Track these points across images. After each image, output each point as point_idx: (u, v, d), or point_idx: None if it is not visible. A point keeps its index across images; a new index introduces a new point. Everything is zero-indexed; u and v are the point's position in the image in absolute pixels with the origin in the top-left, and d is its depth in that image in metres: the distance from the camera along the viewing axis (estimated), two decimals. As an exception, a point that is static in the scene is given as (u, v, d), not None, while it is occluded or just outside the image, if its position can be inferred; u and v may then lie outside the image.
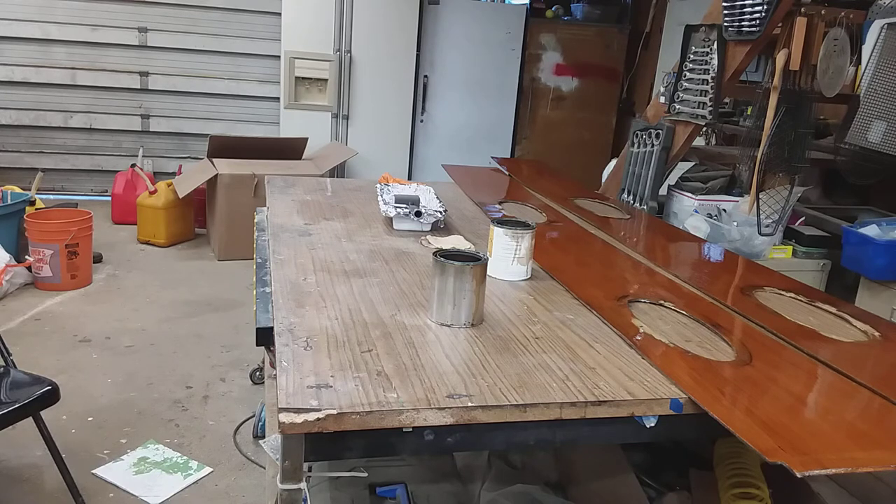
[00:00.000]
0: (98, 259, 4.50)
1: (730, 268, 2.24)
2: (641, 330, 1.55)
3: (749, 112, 4.03)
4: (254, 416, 2.86)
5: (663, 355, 1.43)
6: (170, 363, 3.32)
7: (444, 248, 1.74)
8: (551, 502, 1.89)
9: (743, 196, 3.19)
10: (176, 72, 5.85)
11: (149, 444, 2.67)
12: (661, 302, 1.77)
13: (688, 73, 3.23)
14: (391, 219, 2.29)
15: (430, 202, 2.38)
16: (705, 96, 3.11)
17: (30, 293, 4.02)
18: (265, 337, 1.54)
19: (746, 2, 2.81)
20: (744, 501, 1.65)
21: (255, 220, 2.57)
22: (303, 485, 1.20)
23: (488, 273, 1.62)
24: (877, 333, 1.68)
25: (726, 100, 4.37)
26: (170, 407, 2.95)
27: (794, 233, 3.30)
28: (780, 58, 2.71)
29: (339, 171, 5.69)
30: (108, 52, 5.71)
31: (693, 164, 3.67)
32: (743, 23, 2.85)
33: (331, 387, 1.20)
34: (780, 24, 2.78)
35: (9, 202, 4.17)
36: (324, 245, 2.06)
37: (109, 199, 5.52)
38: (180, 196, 4.90)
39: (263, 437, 2.56)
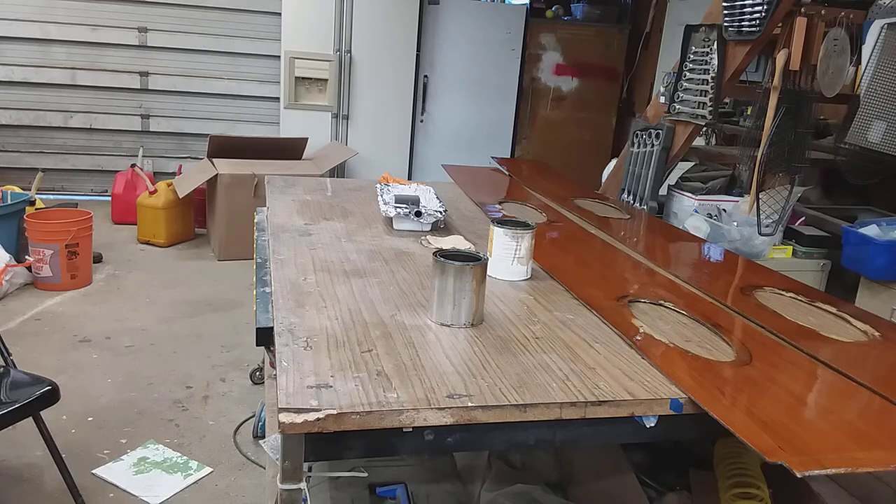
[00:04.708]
0: (98, 259, 4.50)
1: (730, 268, 2.24)
2: (641, 330, 1.55)
3: (749, 112, 4.03)
4: (254, 416, 2.86)
5: (663, 355, 1.43)
6: (170, 363, 3.32)
7: (444, 248, 1.74)
8: (551, 502, 1.89)
9: (743, 196, 3.19)
10: (176, 72, 5.86)
11: (149, 444, 2.67)
12: (661, 302, 1.77)
13: (688, 73, 3.23)
14: (391, 219, 2.29)
15: (430, 202, 2.38)
16: (705, 96, 3.11)
17: (30, 293, 4.02)
18: (265, 337, 1.54)
19: (746, 2, 2.81)
20: (744, 501, 1.65)
21: (255, 220, 2.57)
22: (303, 485, 1.20)
23: (488, 273, 1.62)
24: (877, 333, 1.68)
25: (726, 100, 4.37)
26: (170, 407, 2.95)
27: (794, 233, 3.30)
28: (780, 58, 2.71)
29: (339, 171, 5.69)
30: (108, 52, 5.71)
31: (693, 164, 3.67)
32: (743, 23, 2.85)
33: (331, 387, 1.20)
34: (780, 24, 2.79)
35: (9, 202, 4.17)
36: (324, 245, 2.06)
37: (109, 199, 5.52)
38: (180, 196, 4.90)
39: (263, 437, 2.56)
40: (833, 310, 1.82)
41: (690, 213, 3.25)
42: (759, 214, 2.90)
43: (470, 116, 6.41)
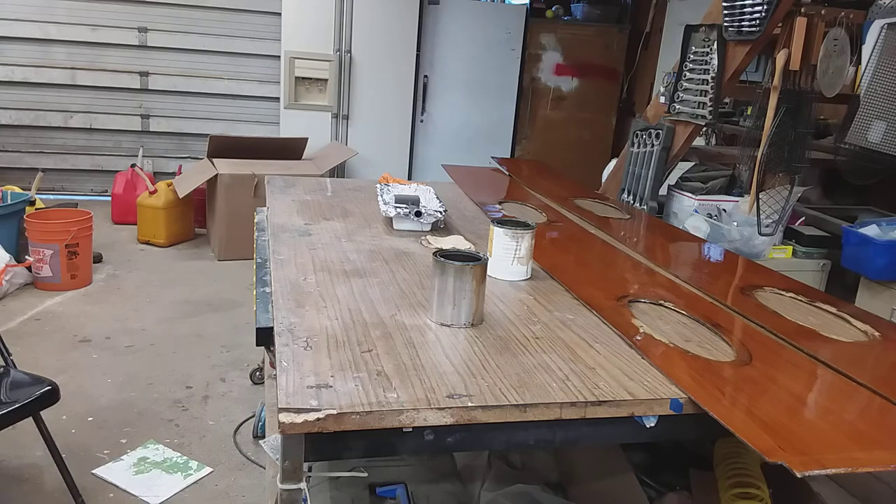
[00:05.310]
0: (98, 259, 4.50)
1: (730, 268, 2.24)
2: (641, 330, 1.55)
3: (749, 112, 4.03)
4: (254, 416, 2.86)
5: (663, 355, 1.43)
6: (170, 363, 3.32)
7: (444, 248, 1.74)
8: (551, 502, 1.89)
9: (743, 196, 3.19)
10: (176, 72, 5.86)
11: (149, 444, 2.68)
12: (661, 302, 1.77)
13: (688, 73, 3.23)
14: (391, 219, 2.29)
15: (430, 202, 2.38)
16: (705, 96, 3.11)
17: (30, 293, 4.02)
18: (265, 337, 1.54)
19: (746, 2, 2.81)
20: (744, 501, 1.65)
21: (255, 220, 2.57)
22: (303, 485, 1.20)
23: (488, 273, 1.62)
24: (877, 333, 1.68)
25: (726, 100, 4.37)
26: (170, 407, 2.95)
27: (794, 233, 3.30)
28: (780, 58, 2.71)
29: (339, 171, 5.69)
30: (108, 52, 5.71)
31: (693, 164, 3.67)
32: (743, 23, 2.85)
33: (331, 387, 1.20)
34: (780, 24, 2.78)
35: (9, 202, 4.17)
36: (324, 245, 2.06)
37: (109, 199, 5.52)
38: (180, 196, 4.90)
39: (263, 437, 2.56)
40: (833, 310, 1.82)
41: (690, 213, 3.25)
42: (759, 214, 2.90)
43: (470, 116, 6.41)
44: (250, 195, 4.73)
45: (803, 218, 3.47)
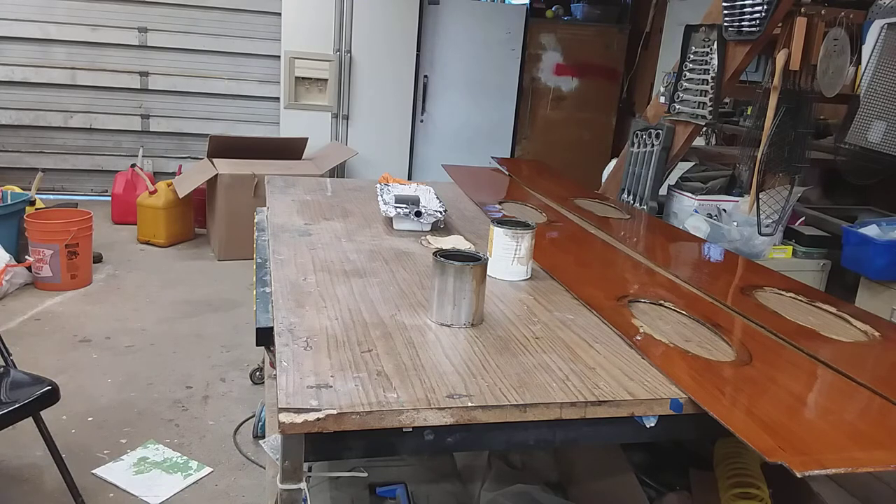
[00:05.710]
0: (98, 259, 4.50)
1: (730, 268, 2.24)
2: (641, 330, 1.55)
3: (749, 112, 4.03)
4: (254, 416, 2.86)
5: (663, 355, 1.43)
6: (170, 363, 3.32)
7: (444, 248, 1.74)
8: (551, 502, 1.89)
9: (743, 196, 3.19)
10: (176, 72, 5.86)
11: (149, 444, 2.68)
12: (661, 302, 1.77)
13: (688, 73, 3.23)
14: (391, 219, 2.29)
15: (430, 202, 2.38)
16: (705, 96, 3.11)
17: (30, 293, 4.02)
18: (265, 337, 1.54)
19: (746, 2, 2.81)
20: (744, 501, 1.65)
21: (255, 220, 2.57)
22: (303, 485, 1.20)
23: (488, 273, 1.62)
24: (877, 333, 1.68)
25: (726, 100, 4.37)
26: (170, 407, 2.95)
27: (794, 233, 3.30)
28: (780, 58, 2.71)
29: (339, 171, 5.69)
30: (108, 52, 5.71)
31: (693, 164, 3.67)
32: (743, 23, 2.85)
33: (331, 387, 1.20)
34: (780, 24, 2.79)
35: (9, 202, 4.17)
36: (324, 245, 2.06)
37: (109, 199, 5.52)
38: (180, 196, 4.90)
39: (263, 437, 2.56)
40: (833, 310, 1.82)
41: (690, 213, 3.25)
42: (759, 214, 2.90)
43: (470, 116, 6.41)
44: (250, 195, 4.73)
45: (803, 218, 3.47)
